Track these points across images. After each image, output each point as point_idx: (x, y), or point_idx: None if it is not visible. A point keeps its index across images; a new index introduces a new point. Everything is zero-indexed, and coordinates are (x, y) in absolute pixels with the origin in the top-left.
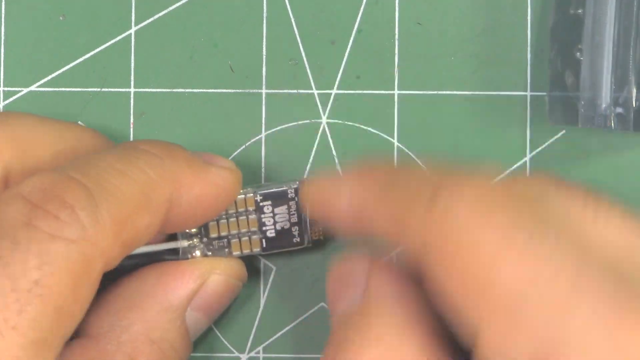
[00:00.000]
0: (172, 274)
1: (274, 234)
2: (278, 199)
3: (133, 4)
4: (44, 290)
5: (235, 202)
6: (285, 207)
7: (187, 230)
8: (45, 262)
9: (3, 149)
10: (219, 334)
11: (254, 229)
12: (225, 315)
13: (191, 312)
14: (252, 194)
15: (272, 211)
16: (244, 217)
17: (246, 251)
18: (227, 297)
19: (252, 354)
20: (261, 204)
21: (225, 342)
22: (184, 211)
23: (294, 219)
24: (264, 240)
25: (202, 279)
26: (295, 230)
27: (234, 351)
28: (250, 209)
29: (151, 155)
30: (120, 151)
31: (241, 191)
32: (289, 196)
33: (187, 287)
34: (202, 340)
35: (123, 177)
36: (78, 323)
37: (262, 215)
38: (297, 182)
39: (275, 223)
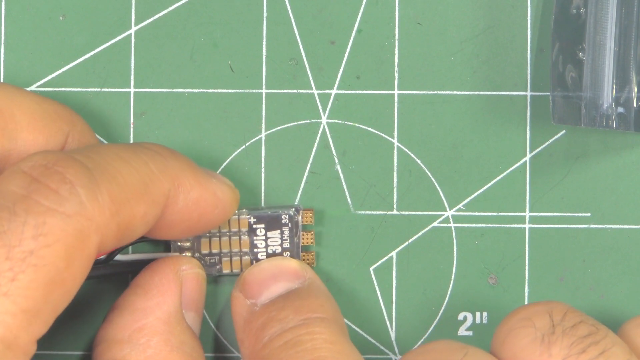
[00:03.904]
0: (155, 288)
1: (264, 257)
2: (271, 222)
3: (133, 4)
4: (39, 260)
5: (229, 222)
6: (278, 231)
7: (180, 244)
8: (41, 234)
9: None
10: (219, 334)
11: (245, 249)
12: (225, 315)
13: (185, 313)
14: (246, 216)
15: (265, 234)
16: (237, 237)
17: (236, 270)
18: (202, 288)
19: None
20: (254, 226)
21: (225, 342)
22: (179, 211)
23: (286, 244)
24: (254, 262)
25: (179, 279)
26: (286, 255)
27: (234, 351)
28: (244, 230)
29: (155, 152)
30: (125, 144)
31: (236, 212)
32: (283, 221)
33: (173, 293)
34: (202, 341)
35: (125, 164)
36: (69, 300)
37: (255, 238)
38: (293, 208)
39: (267, 246)
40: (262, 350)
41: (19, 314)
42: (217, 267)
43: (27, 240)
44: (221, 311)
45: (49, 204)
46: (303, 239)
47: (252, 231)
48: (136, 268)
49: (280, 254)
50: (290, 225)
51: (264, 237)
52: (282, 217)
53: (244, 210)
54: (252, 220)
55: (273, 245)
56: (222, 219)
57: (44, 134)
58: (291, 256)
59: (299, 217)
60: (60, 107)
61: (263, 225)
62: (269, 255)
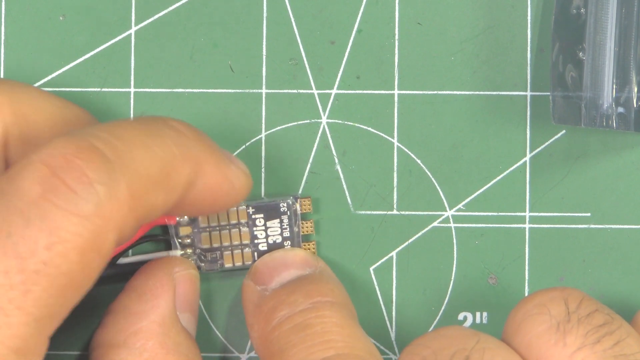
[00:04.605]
0: (149, 291)
1: (265, 248)
2: (270, 212)
3: (133, 4)
4: (52, 270)
5: (228, 214)
6: (277, 220)
7: (180, 241)
8: (56, 242)
9: (4, 111)
10: (218, 334)
11: (245, 241)
12: (225, 315)
13: (180, 315)
14: (244, 206)
15: (264, 224)
16: (236, 230)
17: (238, 264)
18: (196, 288)
19: (252, 354)
20: (253, 216)
21: (225, 342)
22: (194, 196)
23: (287, 233)
24: (255, 254)
25: (172, 281)
26: (287, 244)
27: (234, 351)
28: (243, 221)
29: (180, 133)
30: (149, 124)
31: None
32: (282, 210)
33: (167, 295)
34: (202, 341)
35: (147, 152)
36: (82, 296)
37: (255, 228)
38: (291, 197)
39: (267, 236)
40: (272, 333)
41: (32, 323)
42: (219, 262)
43: (41, 251)
44: (220, 311)
45: (65, 205)
46: (302, 227)
47: (251, 222)
48: (136, 269)
49: (281, 244)
50: (289, 214)
51: (263, 227)
52: (281, 205)
53: (242, 202)
54: (251, 210)
55: (273, 235)
56: (232, 205)
57: None
58: (292, 245)
59: (297, 205)
60: (80, 112)
61: (262, 215)
62: (269, 246)
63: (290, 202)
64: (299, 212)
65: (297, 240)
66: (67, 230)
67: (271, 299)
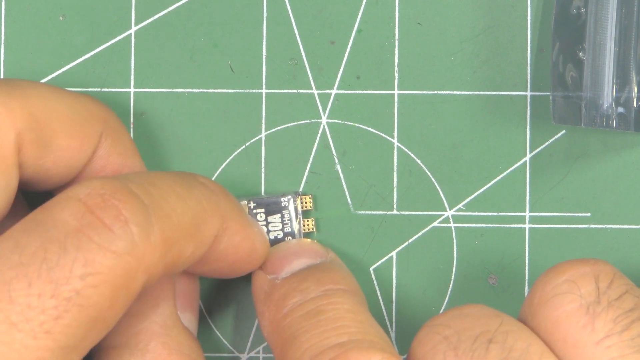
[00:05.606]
0: (148, 292)
1: None
2: (271, 206)
3: (133, 4)
4: (84, 300)
5: None
6: (278, 215)
7: None
8: (89, 273)
9: (17, 117)
10: (219, 334)
11: None
12: (225, 315)
13: (181, 314)
14: (245, 201)
15: (266, 219)
16: None
17: None
18: (196, 288)
19: (252, 354)
20: (254, 210)
21: (225, 342)
22: (218, 252)
23: (287, 228)
24: None
25: (172, 281)
26: (288, 240)
27: (234, 351)
28: None
29: (208, 190)
30: (180, 177)
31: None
32: (282, 205)
33: (167, 295)
34: (202, 341)
35: (180, 202)
36: (107, 332)
37: None
38: (292, 193)
39: (268, 232)
40: (283, 320)
41: (57, 350)
42: None
43: (75, 279)
44: (221, 311)
45: (100, 241)
46: (304, 225)
47: (252, 217)
48: None
49: (282, 240)
50: (289, 209)
51: (264, 223)
52: (282, 200)
53: (243, 197)
54: (252, 204)
55: (275, 231)
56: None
57: (78, 138)
58: None
59: (298, 200)
60: (92, 105)
61: (263, 210)
62: (271, 242)
63: (291, 197)
64: (299, 207)
65: (299, 236)
66: (101, 263)
67: (282, 286)
